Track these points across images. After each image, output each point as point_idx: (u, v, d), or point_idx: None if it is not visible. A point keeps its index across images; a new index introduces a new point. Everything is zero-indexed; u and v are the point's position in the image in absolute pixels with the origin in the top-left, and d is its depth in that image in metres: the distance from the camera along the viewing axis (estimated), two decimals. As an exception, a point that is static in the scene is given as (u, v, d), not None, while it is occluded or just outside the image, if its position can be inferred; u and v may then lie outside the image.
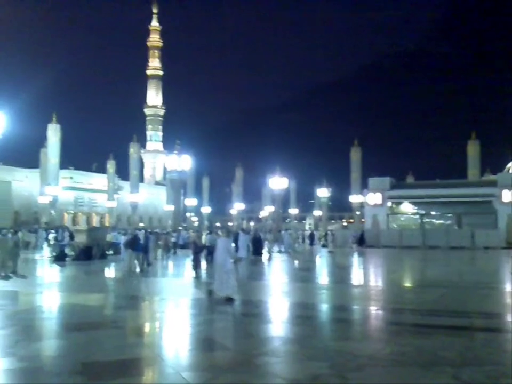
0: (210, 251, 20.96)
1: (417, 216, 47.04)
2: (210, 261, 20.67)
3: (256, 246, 28.34)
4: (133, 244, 22.24)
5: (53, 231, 35.98)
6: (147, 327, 10.41)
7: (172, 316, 11.41)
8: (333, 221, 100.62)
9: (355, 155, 62.71)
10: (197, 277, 19.10)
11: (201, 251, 22.18)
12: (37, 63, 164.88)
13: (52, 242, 34.03)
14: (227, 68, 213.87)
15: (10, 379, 6.51)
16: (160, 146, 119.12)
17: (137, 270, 20.77)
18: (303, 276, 21.22)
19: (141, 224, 78.52)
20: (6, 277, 18.02)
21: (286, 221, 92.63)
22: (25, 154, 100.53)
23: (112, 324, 10.15)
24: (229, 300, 12.38)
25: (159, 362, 7.24)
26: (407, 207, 48.84)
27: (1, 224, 39.12)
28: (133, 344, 8.59)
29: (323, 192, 76.59)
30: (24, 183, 72.44)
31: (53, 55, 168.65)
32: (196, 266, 20.62)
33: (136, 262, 21.12)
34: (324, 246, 42.50)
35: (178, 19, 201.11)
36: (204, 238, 25.64)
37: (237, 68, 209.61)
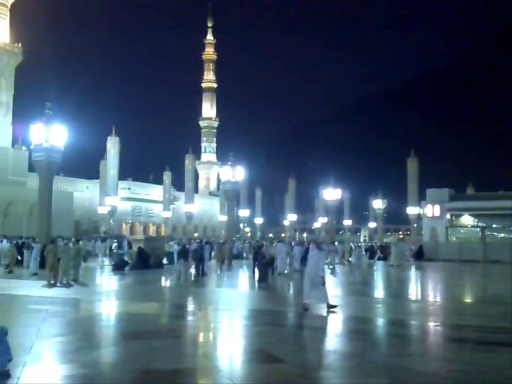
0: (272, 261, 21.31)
1: (478, 229, 45.32)
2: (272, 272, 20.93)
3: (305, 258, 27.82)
4: (185, 254, 22.70)
5: (115, 240, 36.98)
6: (203, 337, 10.48)
7: (228, 326, 11.43)
8: (388, 233, 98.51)
9: (412, 165, 61.36)
10: (265, 288, 19.04)
11: (271, 263, 22.14)
12: (97, 78, 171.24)
13: (112, 251, 34.98)
14: (280, 79, 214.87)
15: (73, 384, 6.70)
16: (214, 157, 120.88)
17: (191, 279, 21.13)
18: (359, 289, 20.82)
19: (196, 234, 79.73)
20: (68, 285, 18.66)
21: (340, 232, 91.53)
22: (86, 166, 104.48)
23: (170, 333, 10.30)
24: (331, 307, 12.70)
25: (216, 373, 7.25)
26: (467, 220, 47.21)
27: (63, 233, 40.66)
28: (190, 353, 8.68)
29: (378, 204, 75.16)
30: (84, 194, 75.16)
31: (111, 70, 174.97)
32: (264, 278, 20.46)
33: (190, 271, 21.59)
34: (380, 258, 41.59)
35: (232, 31, 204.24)
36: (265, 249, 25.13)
37: (289, 79, 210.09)
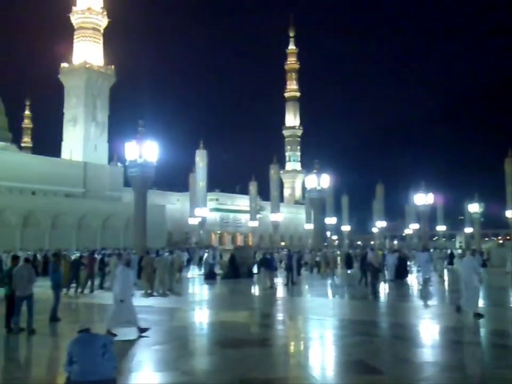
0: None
1: None
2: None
3: (401, 267, 26.63)
4: (266, 263, 22.86)
5: (206, 250, 37.92)
6: (296, 346, 10.45)
7: (320, 336, 11.31)
8: (486, 239, 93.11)
9: (509, 166, 57.76)
10: (375, 299, 18.21)
11: (379, 272, 21.06)
12: (185, 94, 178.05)
13: (203, 261, 35.86)
14: (363, 84, 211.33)
15: (175, 391, 6.92)
16: (298, 166, 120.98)
17: (272, 287, 21.33)
18: (456, 298, 19.79)
19: (282, 243, 79.92)
20: (164, 294, 19.36)
21: (433, 239, 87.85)
22: (176, 179, 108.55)
23: (263, 342, 10.38)
24: (478, 316, 12.78)
25: (313, 383, 7.19)
26: None
27: (157, 244, 42.37)
28: (285, 362, 8.70)
29: (475, 208, 71.14)
30: (176, 206, 77.94)
31: (198, 85, 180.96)
32: (374, 290, 18.92)
33: (269, 280, 21.83)
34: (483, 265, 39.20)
35: (314, 40, 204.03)
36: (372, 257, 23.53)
37: (374, 83, 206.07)
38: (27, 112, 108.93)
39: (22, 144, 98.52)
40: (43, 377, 8.00)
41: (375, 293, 18.76)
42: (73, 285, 20.04)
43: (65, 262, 19.74)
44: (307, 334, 11.71)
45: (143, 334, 10.59)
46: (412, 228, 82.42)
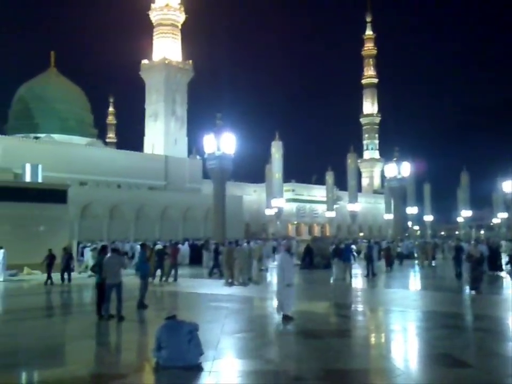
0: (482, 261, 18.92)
1: None
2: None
3: (492, 258, 24.66)
4: (340, 253, 22.56)
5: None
6: (379, 338, 10.26)
7: (403, 328, 11.03)
8: None
9: None
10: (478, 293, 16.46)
11: (482, 263, 18.83)
12: (260, 86, 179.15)
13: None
14: (446, 67, 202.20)
15: (258, 380, 7.03)
16: (376, 154, 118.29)
17: (348, 279, 21.00)
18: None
19: (361, 234, 78.68)
20: (244, 284, 19.70)
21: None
22: (253, 170, 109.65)
23: (344, 333, 10.31)
24: None
25: (398, 375, 7.05)
26: None
27: (235, 235, 43.13)
28: (368, 354, 8.59)
29: None
30: (252, 197, 78.80)
31: (273, 76, 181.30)
32: (477, 280, 16.88)
33: (343, 271, 21.57)
34: None
35: (391, 24, 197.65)
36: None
37: (456, 65, 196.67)
38: (111, 109, 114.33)
39: (107, 140, 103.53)
40: (133, 362, 8.38)
41: (477, 288, 16.55)
42: (158, 273, 20.84)
43: (150, 252, 20.56)
44: (389, 325, 11.46)
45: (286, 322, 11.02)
46: (500, 216, 78.30)
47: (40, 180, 27.78)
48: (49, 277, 19.93)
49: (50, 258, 20.61)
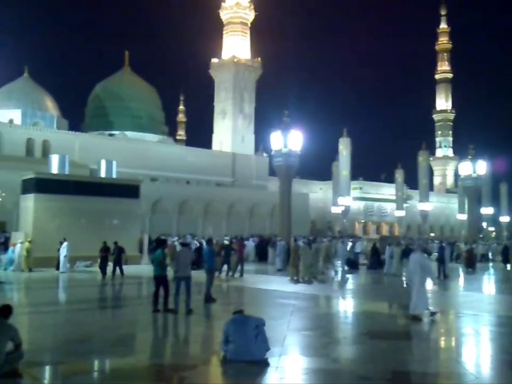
0: None
1: None
2: None
3: None
4: (409, 254, 21.85)
5: (350, 240, 37.58)
6: (449, 341, 9.90)
7: (476, 332, 10.57)
8: None
9: None
10: None
11: None
12: (328, 82, 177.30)
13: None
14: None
15: (325, 379, 6.99)
16: (450, 152, 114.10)
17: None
18: None
19: (432, 234, 76.17)
20: (309, 281, 19.63)
21: None
22: (319, 167, 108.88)
23: (413, 335, 10.04)
24: None
25: (471, 380, 6.77)
26: None
27: (300, 232, 43.01)
28: (438, 357, 8.33)
29: None
30: (318, 195, 78.26)
31: (341, 71, 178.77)
32: None
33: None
34: None
35: (467, 17, 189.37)
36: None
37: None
38: (181, 107, 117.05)
39: (177, 137, 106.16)
40: (201, 354, 8.57)
41: None
42: (225, 269, 21.18)
43: (217, 247, 20.93)
44: (460, 329, 11.05)
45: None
46: None
47: (114, 176, 28.92)
48: (103, 270, 20.27)
49: (105, 251, 20.81)
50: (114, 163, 29.20)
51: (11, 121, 58.09)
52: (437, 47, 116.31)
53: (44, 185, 25.31)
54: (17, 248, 22.41)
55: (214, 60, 76.40)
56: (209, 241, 15.04)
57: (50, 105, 64.97)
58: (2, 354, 6.47)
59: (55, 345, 8.81)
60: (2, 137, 51.91)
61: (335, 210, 67.18)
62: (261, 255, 31.34)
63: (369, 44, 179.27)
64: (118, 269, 20.33)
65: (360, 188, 79.39)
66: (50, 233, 22.90)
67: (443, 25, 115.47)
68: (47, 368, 7.45)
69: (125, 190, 27.93)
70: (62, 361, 7.64)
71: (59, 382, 7.09)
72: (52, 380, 7.14)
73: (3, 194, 41.07)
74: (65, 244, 22.01)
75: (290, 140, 31.07)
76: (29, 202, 25.47)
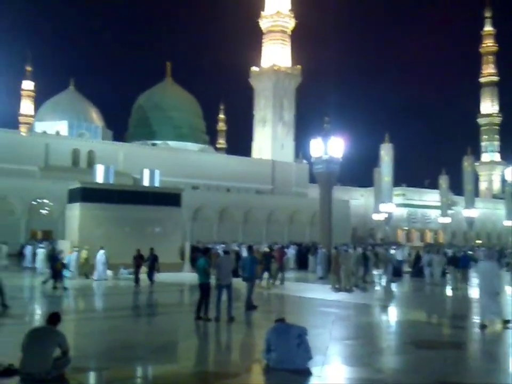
0: None
1: None
2: None
3: None
4: (456, 261, 21.40)
5: (393, 247, 36.94)
6: (499, 352, 9.52)
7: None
8: None
9: None
10: None
11: None
12: (370, 87, 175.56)
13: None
14: None
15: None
16: (497, 157, 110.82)
17: (458, 288, 19.85)
18: None
19: (478, 241, 73.96)
20: (350, 290, 19.34)
21: None
22: (360, 174, 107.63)
23: (460, 345, 9.75)
24: None
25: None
26: None
27: (341, 240, 42.55)
28: (486, 368, 8.02)
29: None
30: (359, 202, 77.31)
31: (382, 75, 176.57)
32: None
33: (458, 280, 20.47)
34: None
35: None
36: None
37: None
38: (221, 116, 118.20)
39: (217, 146, 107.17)
40: (243, 362, 8.57)
41: None
42: (265, 276, 21.12)
43: (258, 255, 20.91)
44: (509, 339, 10.62)
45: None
46: None
47: (157, 184, 29.39)
48: (137, 278, 20.05)
49: (138, 259, 20.62)
50: (157, 172, 29.68)
51: (57, 132, 60.08)
52: (481, 50, 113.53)
53: (89, 195, 25.95)
54: (74, 255, 22.83)
55: (254, 69, 76.91)
56: (250, 249, 15.04)
57: (95, 116, 66.84)
58: (50, 360, 6.65)
59: (99, 351, 8.99)
60: (49, 148, 53.67)
61: (377, 217, 66.27)
62: (301, 263, 31.14)
63: (411, 48, 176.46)
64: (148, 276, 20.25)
65: (403, 195, 78.02)
66: (95, 241, 23.39)
67: (488, 28, 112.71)
68: (92, 374, 7.60)
69: (167, 198, 28.33)
70: (106, 367, 7.78)
71: (104, 388, 7.22)
72: (97, 385, 7.28)
73: (50, 203, 42.41)
74: (101, 251, 22.13)
75: (331, 147, 30.83)
76: (75, 211, 26.17)
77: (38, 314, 13.72)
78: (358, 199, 77.37)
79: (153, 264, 20.47)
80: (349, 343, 9.77)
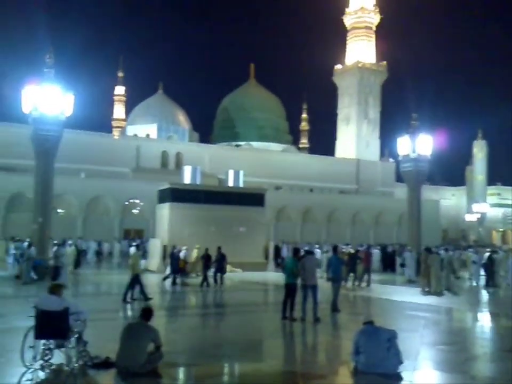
0: None
1: None
2: None
3: None
4: None
5: (487, 249, 34.92)
6: None
7: None
8: None
9: None
10: None
11: None
12: (461, 82, 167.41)
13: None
14: None
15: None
16: None
17: None
18: None
19: None
20: (439, 293, 18.53)
21: None
22: (451, 172, 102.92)
23: None
24: None
25: None
26: None
27: (430, 241, 40.93)
28: None
29: None
30: (450, 202, 74.04)
31: (474, 72, 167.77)
32: None
33: None
34: None
35: None
36: None
37: None
38: (304, 115, 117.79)
39: (300, 145, 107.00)
40: (330, 363, 8.47)
41: None
42: (351, 277, 20.77)
43: (343, 255, 20.61)
44: None
45: None
46: None
47: (241, 185, 29.87)
48: (205, 278, 19.37)
49: (206, 259, 20.20)
50: (241, 173, 30.16)
51: (148, 135, 62.85)
52: None
53: (178, 195, 26.88)
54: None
55: (338, 66, 76.02)
56: (335, 250, 14.83)
57: (182, 119, 69.19)
58: (145, 355, 6.93)
59: (189, 347, 9.24)
60: (140, 150, 56.24)
61: (470, 218, 63.15)
62: (386, 265, 30.31)
63: (503, 41, 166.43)
64: (219, 276, 19.91)
65: (498, 194, 73.81)
66: (184, 240, 24.12)
67: None
68: (183, 369, 7.83)
69: (251, 198, 28.70)
70: (196, 364, 7.98)
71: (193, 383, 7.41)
72: (187, 381, 7.48)
73: (141, 203, 44.41)
74: (184, 249, 22.00)
75: (419, 144, 29.75)
76: (165, 211, 27.21)
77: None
78: (449, 199, 74.19)
79: (221, 264, 20.12)
80: (442, 348, 9.36)
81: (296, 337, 10.90)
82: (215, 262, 20.38)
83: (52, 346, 7.07)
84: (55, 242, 22.35)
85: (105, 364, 7.22)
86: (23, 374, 6.79)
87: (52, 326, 6.94)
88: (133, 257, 15.89)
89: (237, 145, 67.19)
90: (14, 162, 46.22)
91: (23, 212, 37.70)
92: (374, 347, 7.17)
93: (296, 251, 13.51)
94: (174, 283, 19.58)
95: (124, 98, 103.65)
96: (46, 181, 22.04)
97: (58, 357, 7.08)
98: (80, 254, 27.43)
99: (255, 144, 68.66)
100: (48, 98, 21.41)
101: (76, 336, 7.13)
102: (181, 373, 7.66)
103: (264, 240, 29.96)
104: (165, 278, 20.47)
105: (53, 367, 6.99)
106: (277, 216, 53.31)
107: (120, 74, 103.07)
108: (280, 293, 12.71)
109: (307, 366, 8.14)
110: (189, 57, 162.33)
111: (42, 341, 7.06)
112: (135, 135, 61.83)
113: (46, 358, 7.02)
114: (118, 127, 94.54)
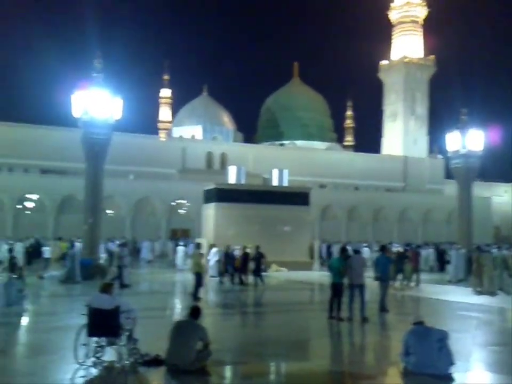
0: None
1: None
2: None
3: None
4: None
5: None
6: None
7: None
8: None
9: None
10: None
11: None
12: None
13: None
14: None
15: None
16: None
17: None
18: None
19: None
20: (492, 293, 17.91)
21: None
22: (504, 168, 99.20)
23: None
24: None
25: None
26: None
27: (482, 239, 39.69)
28: None
29: None
30: (503, 198, 71.59)
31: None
32: None
33: None
34: None
35: None
36: None
37: None
38: (349, 113, 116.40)
39: (345, 143, 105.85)
40: (379, 364, 8.35)
41: None
42: (399, 277, 20.38)
43: (391, 255, 20.23)
44: None
45: None
46: None
47: (285, 184, 29.81)
48: (241, 277, 19.76)
49: (244, 257, 20.27)
50: (285, 172, 30.10)
51: (193, 136, 63.69)
52: None
53: (223, 195, 27.12)
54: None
55: (383, 62, 74.75)
56: (383, 249, 14.59)
57: (226, 120, 69.71)
58: (194, 352, 7.04)
59: (236, 346, 9.32)
60: (186, 151, 57.08)
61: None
62: (439, 264, 29.54)
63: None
64: (256, 277, 19.78)
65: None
66: (229, 239, 24.29)
67: None
68: (230, 367, 7.89)
69: (296, 197, 28.60)
70: (242, 362, 8.03)
71: (241, 382, 7.46)
72: (234, 379, 7.54)
73: (188, 204, 45.09)
74: (215, 249, 22.23)
75: (469, 140, 28.87)
76: (210, 210, 27.50)
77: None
78: (501, 196, 71.77)
79: (259, 262, 20.22)
80: (495, 349, 9.08)
81: (343, 336, 10.81)
82: (252, 260, 20.51)
83: (103, 343, 7.27)
84: (118, 242, 22.82)
85: (155, 361, 7.36)
86: (76, 371, 7.01)
87: (104, 324, 7.14)
88: (194, 256, 16.10)
89: (281, 145, 67.13)
90: (65, 166, 47.93)
91: (74, 213, 38.99)
92: (424, 348, 7.02)
93: (343, 250, 13.34)
94: (232, 282, 19.93)
95: (169, 101, 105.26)
96: (96, 183, 22.64)
97: (109, 354, 7.26)
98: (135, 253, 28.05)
99: (299, 143, 68.41)
100: (97, 102, 21.98)
101: (127, 334, 7.31)
102: (229, 371, 7.73)
103: (309, 239, 29.82)
104: (221, 281, 20.49)
105: (105, 364, 7.18)
106: (321, 214, 52.93)
107: (166, 77, 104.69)
108: (326, 292, 12.61)
109: (355, 366, 8.06)
110: (232, 58, 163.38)
111: (94, 339, 7.26)
112: (181, 137, 62.74)
113: (98, 355, 7.22)
114: (164, 129, 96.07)
